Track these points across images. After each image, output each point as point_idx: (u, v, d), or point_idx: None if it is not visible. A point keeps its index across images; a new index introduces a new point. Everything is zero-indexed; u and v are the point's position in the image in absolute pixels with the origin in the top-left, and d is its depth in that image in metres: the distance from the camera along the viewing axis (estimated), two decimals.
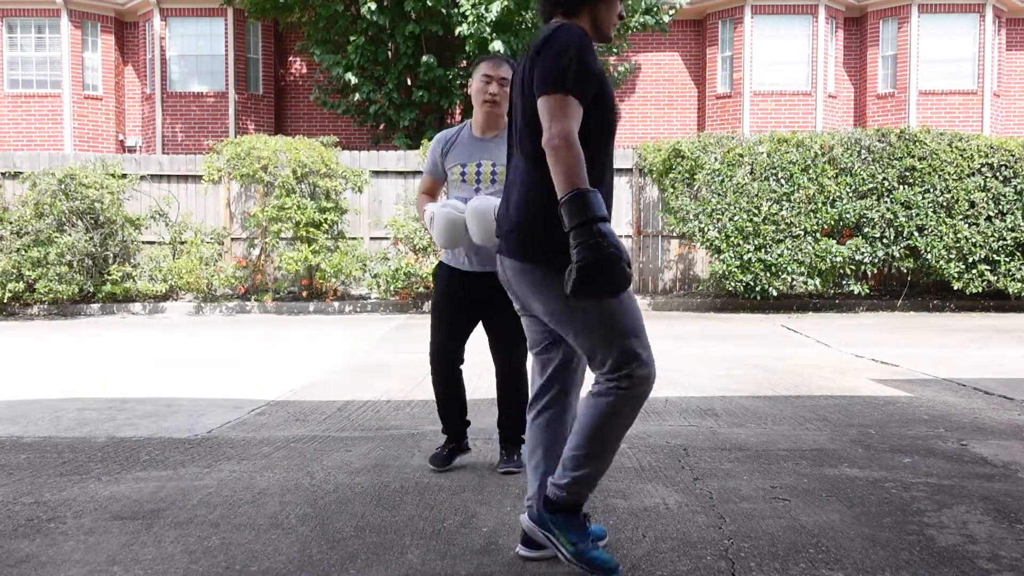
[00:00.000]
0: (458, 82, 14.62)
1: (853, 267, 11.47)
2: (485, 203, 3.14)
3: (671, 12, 15.57)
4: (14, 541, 2.80)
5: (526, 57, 2.38)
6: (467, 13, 13.29)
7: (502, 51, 13.30)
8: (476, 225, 3.16)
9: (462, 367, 3.67)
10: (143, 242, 12.19)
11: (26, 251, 11.26)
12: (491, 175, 3.51)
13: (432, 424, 4.46)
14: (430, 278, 11.09)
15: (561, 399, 2.60)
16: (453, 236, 3.28)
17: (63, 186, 11.47)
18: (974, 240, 11.39)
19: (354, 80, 14.53)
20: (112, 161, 12.19)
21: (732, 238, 11.33)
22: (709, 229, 11.42)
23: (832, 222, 11.40)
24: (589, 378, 2.49)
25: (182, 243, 12.09)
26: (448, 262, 3.63)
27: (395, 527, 2.90)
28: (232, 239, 12.43)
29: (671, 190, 11.89)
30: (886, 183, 11.42)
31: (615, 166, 12.94)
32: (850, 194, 11.47)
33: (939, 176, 11.44)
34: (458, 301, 3.58)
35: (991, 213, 11.47)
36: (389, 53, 14.91)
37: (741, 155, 11.55)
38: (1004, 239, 11.46)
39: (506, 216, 2.48)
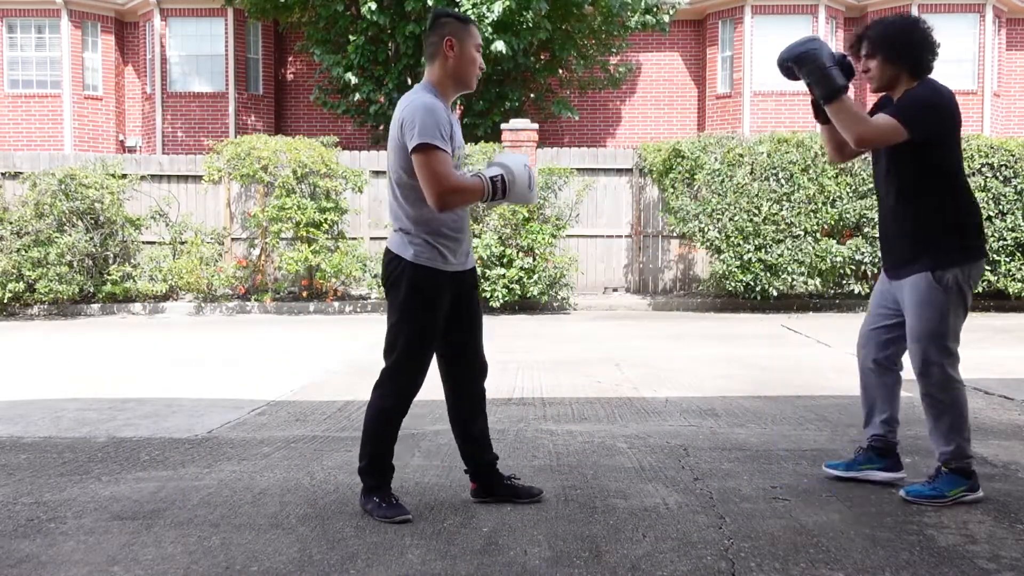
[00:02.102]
0: None
1: (853, 267, 11.47)
2: (523, 159, 3.00)
3: (671, 11, 15.55)
4: (14, 541, 2.80)
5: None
6: (468, 13, 13.28)
7: (504, 52, 13.30)
8: (528, 186, 2.94)
9: None
10: (143, 242, 12.18)
11: (26, 251, 11.26)
12: (464, 159, 3.15)
13: (431, 424, 4.46)
14: None
15: None
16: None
17: (63, 186, 11.47)
18: None
19: (354, 80, 14.52)
20: (112, 161, 12.18)
21: (732, 238, 11.33)
22: (709, 229, 11.41)
23: (832, 222, 11.40)
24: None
25: (182, 243, 12.08)
26: (442, 265, 2.93)
27: (395, 527, 2.90)
28: (232, 239, 12.43)
29: (671, 190, 11.88)
30: None
31: (615, 166, 13.03)
32: (850, 194, 11.46)
33: None
34: (443, 318, 3.00)
35: (991, 213, 11.46)
36: (389, 53, 14.91)
37: (741, 155, 11.54)
38: (1004, 239, 11.45)
39: None
